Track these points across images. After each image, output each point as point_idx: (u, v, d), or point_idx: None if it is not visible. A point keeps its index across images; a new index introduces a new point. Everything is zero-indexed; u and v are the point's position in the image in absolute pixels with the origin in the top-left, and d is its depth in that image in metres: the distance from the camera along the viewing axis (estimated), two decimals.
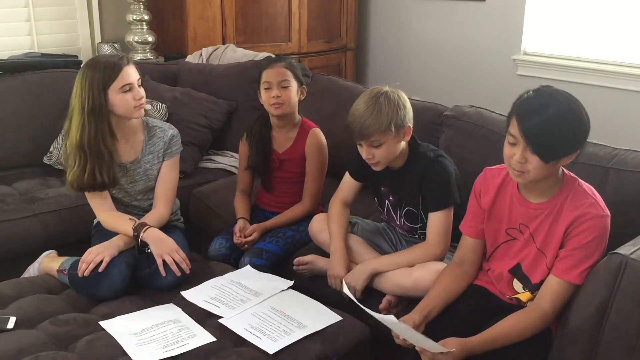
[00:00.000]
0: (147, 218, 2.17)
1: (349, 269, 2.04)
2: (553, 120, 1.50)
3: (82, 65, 2.15)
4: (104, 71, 2.06)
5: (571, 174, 1.67)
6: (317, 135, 2.42)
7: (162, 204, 2.23)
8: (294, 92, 2.34)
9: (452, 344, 1.57)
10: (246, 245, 2.29)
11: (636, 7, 3.28)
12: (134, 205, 2.28)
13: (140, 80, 2.15)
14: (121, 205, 2.26)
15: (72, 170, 2.11)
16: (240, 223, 2.36)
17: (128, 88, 2.09)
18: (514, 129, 1.55)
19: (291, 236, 2.34)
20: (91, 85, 2.05)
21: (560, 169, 1.65)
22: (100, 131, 2.08)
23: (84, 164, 2.09)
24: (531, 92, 1.57)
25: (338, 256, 2.07)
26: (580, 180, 1.66)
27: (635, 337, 1.44)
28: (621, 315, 1.45)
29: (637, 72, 3.27)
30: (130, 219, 2.14)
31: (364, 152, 1.98)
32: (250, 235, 2.30)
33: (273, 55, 3.21)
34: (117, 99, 2.08)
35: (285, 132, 2.43)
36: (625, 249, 1.51)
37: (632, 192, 1.91)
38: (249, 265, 2.18)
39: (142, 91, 2.14)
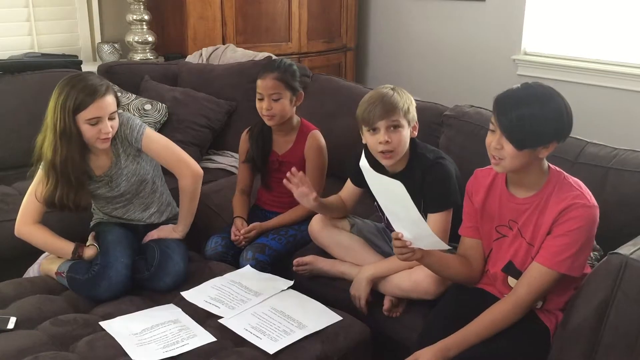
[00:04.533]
0: (183, 194, 2.19)
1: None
2: (528, 113, 1.56)
3: (61, 81, 2.04)
4: (77, 96, 1.97)
5: (557, 168, 1.69)
6: (317, 137, 2.41)
7: (181, 171, 2.18)
8: (286, 103, 2.30)
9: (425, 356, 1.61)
10: (243, 243, 2.30)
11: (636, 7, 3.28)
12: (132, 219, 2.27)
13: (114, 113, 2.06)
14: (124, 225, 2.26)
15: (46, 186, 2.08)
16: (237, 222, 2.37)
17: (95, 122, 2.01)
18: (493, 118, 1.63)
19: (293, 235, 2.34)
20: (62, 108, 1.98)
21: (546, 164, 1.68)
22: (70, 156, 2.02)
23: (56, 183, 2.06)
24: (516, 86, 1.64)
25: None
26: (566, 173, 1.68)
27: (635, 337, 1.43)
28: (621, 315, 1.45)
29: (637, 72, 3.26)
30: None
31: (380, 136, 1.91)
32: (249, 231, 2.31)
33: (273, 56, 3.20)
34: (83, 127, 2.01)
35: (283, 135, 2.42)
36: (625, 249, 1.51)
37: (632, 192, 1.91)
38: (248, 265, 2.18)
39: (112, 124, 2.05)
